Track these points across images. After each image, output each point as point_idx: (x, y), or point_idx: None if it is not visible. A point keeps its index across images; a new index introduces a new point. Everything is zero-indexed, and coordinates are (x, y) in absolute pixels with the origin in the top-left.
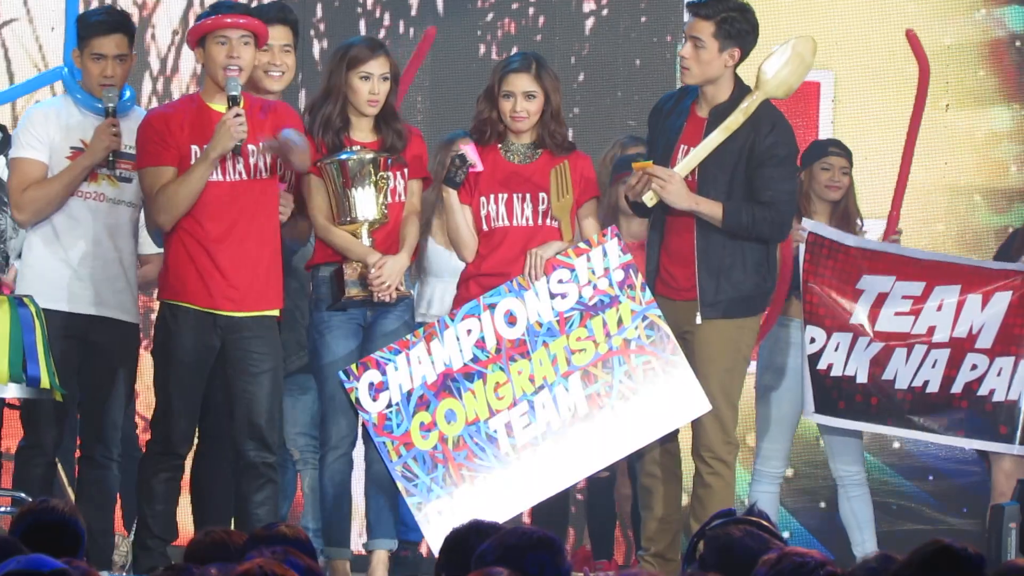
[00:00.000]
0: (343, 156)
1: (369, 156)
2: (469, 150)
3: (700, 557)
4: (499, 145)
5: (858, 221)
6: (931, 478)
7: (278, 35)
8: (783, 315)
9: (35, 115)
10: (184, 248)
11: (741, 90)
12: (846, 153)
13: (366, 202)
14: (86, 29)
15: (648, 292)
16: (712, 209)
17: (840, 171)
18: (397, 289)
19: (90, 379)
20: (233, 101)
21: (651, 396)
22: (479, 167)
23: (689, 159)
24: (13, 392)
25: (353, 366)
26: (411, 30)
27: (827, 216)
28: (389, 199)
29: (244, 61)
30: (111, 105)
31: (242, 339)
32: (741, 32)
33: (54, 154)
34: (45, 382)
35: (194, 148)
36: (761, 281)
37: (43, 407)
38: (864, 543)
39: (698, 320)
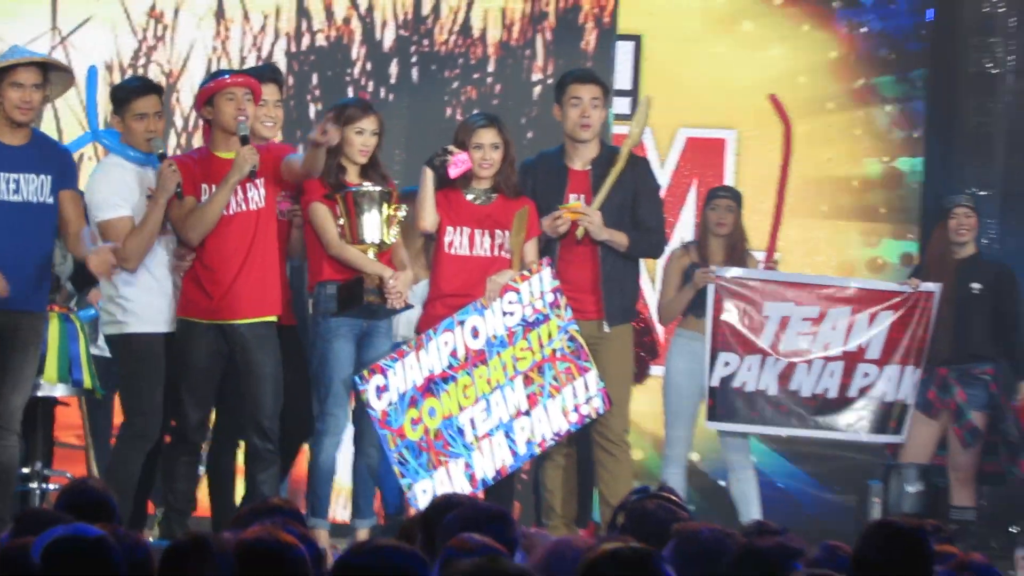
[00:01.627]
0: (354, 189)
1: (378, 190)
2: (462, 156)
3: (620, 525)
4: (463, 189)
5: (746, 250)
6: (811, 461)
7: (270, 92)
8: (684, 328)
9: (108, 178)
10: (192, 272)
11: (603, 144)
12: (731, 195)
13: (373, 228)
14: (127, 94)
15: (570, 311)
16: (620, 238)
17: (725, 210)
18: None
19: None
20: (244, 140)
21: (570, 395)
22: (460, 169)
23: (596, 201)
24: (62, 391)
25: (364, 372)
26: (390, 95)
27: (721, 249)
28: (397, 230)
29: (249, 111)
30: (162, 151)
31: (246, 347)
32: (609, 96)
33: (134, 206)
34: (87, 383)
35: (203, 186)
36: (635, 294)
37: None
38: (750, 515)
39: (606, 329)
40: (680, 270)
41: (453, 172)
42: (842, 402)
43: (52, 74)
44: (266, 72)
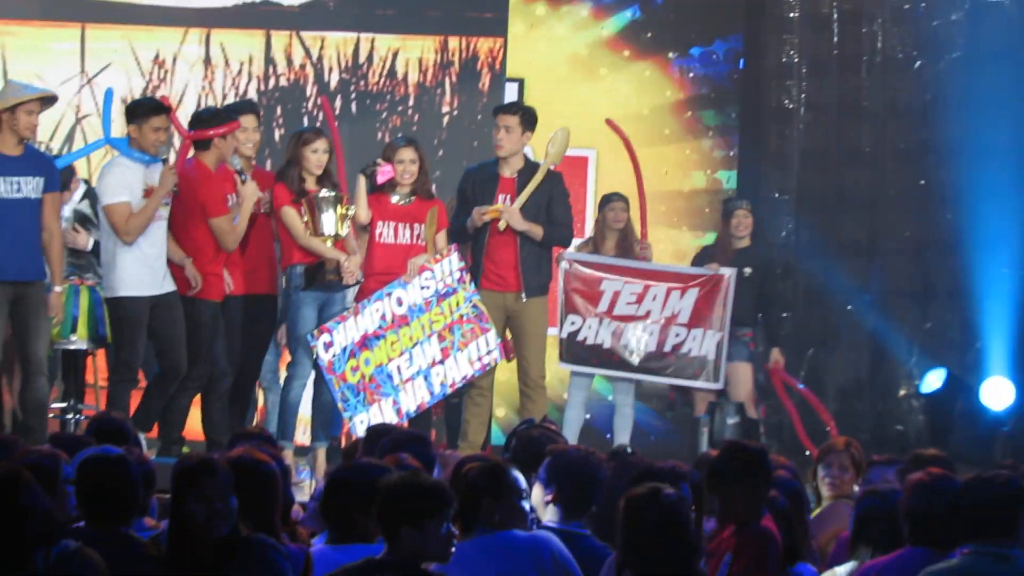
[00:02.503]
0: (318, 194)
1: (332, 195)
2: (387, 167)
3: (513, 447)
4: (389, 193)
5: (636, 240)
6: (655, 399)
7: (249, 121)
8: None
9: (115, 173)
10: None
11: (527, 159)
12: (623, 200)
13: (330, 224)
14: (147, 111)
15: (473, 285)
16: (536, 229)
17: (620, 210)
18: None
19: None
20: (240, 173)
21: (474, 349)
22: (385, 176)
23: (518, 202)
24: (90, 345)
25: (314, 331)
26: (336, 123)
27: (615, 240)
28: (348, 224)
29: (230, 145)
30: (166, 157)
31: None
32: (532, 122)
33: (134, 195)
34: (110, 338)
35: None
36: (549, 273)
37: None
38: (621, 441)
39: (523, 299)
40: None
41: (380, 179)
42: (659, 355)
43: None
44: (246, 106)
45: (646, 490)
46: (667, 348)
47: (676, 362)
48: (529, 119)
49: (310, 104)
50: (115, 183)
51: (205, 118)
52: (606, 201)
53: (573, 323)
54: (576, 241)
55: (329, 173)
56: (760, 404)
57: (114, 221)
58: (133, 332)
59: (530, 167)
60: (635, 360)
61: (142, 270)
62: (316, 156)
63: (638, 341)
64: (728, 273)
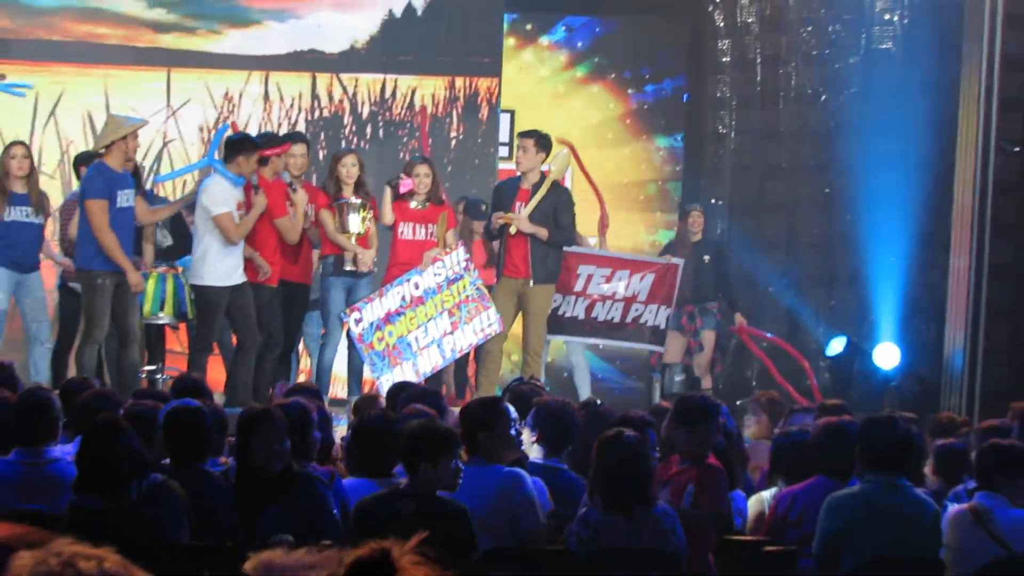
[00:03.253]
0: (345, 201)
1: (357, 202)
2: (407, 180)
3: (505, 400)
4: (409, 201)
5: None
6: (618, 361)
7: (299, 148)
8: None
9: (219, 189)
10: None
11: (541, 175)
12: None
13: (354, 224)
14: (253, 147)
15: (476, 272)
16: (542, 232)
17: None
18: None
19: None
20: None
21: (478, 323)
22: (406, 188)
23: (527, 209)
24: (175, 321)
25: (347, 310)
26: (367, 145)
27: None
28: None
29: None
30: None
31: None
32: (546, 145)
33: (231, 207)
34: (190, 315)
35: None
36: (556, 266)
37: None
38: (584, 395)
39: (531, 284)
40: None
41: (402, 189)
42: (622, 325)
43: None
44: (298, 136)
45: (613, 432)
46: (628, 320)
47: (635, 330)
48: (543, 142)
49: (347, 131)
50: (220, 197)
51: (264, 140)
52: None
53: (555, 301)
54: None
55: (362, 183)
56: (718, 363)
57: (225, 227)
58: (214, 314)
59: (542, 181)
60: (603, 330)
61: (226, 264)
62: (346, 169)
63: (606, 314)
64: (679, 262)
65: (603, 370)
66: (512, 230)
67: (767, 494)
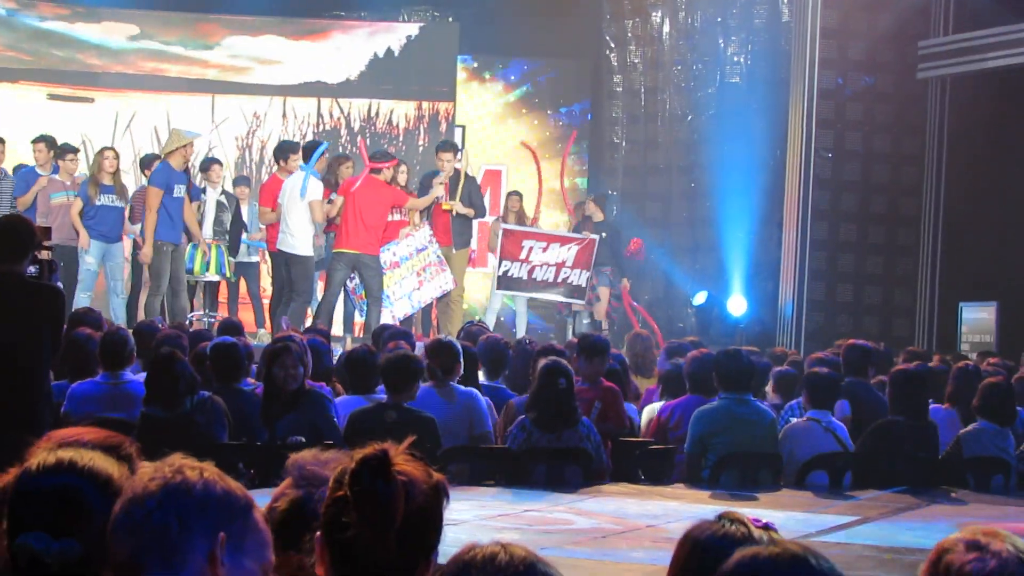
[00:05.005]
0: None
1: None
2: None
3: (459, 337)
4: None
5: (528, 218)
6: (540, 308)
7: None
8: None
9: (315, 181)
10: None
11: (456, 170)
12: (518, 194)
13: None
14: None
15: (436, 244)
16: (468, 211)
17: (516, 200)
18: None
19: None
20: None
21: (438, 281)
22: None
23: (457, 196)
24: (218, 278)
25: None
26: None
27: (514, 218)
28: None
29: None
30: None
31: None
32: (459, 150)
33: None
34: (229, 274)
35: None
36: (469, 235)
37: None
38: (519, 335)
39: (454, 251)
40: (496, 226)
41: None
42: (555, 283)
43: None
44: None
45: (549, 367)
46: (559, 280)
47: (564, 288)
48: (457, 149)
49: (343, 140)
50: (315, 190)
51: (379, 156)
52: (508, 195)
53: (505, 266)
54: (491, 217)
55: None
56: (611, 313)
57: (316, 209)
58: (309, 275)
59: (457, 174)
60: (540, 287)
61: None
62: (350, 171)
63: (543, 275)
64: (596, 238)
65: (530, 316)
66: (453, 212)
67: (657, 406)
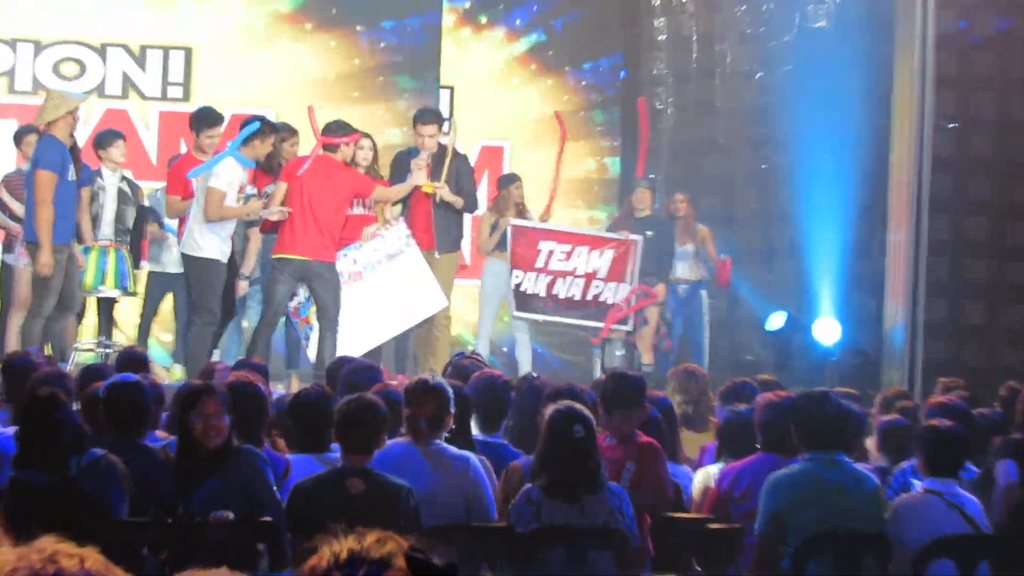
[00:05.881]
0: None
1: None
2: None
3: (447, 374)
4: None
5: (530, 213)
6: (556, 334)
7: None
8: (493, 257)
9: (225, 165)
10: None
11: (440, 145)
12: (519, 179)
13: None
14: (271, 131)
15: (417, 249)
16: (456, 200)
17: (519, 188)
18: None
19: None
20: None
21: (419, 298)
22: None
23: (441, 180)
24: (117, 294)
25: None
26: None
27: (514, 212)
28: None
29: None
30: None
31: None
32: (442, 121)
33: (231, 188)
34: (131, 288)
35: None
36: (459, 232)
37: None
38: (524, 369)
39: (437, 256)
40: (488, 223)
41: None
42: (582, 303)
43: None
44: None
45: (561, 411)
46: (589, 297)
47: (595, 309)
48: (439, 119)
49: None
50: (220, 176)
51: (334, 129)
52: (508, 182)
53: (517, 276)
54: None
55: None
56: (660, 344)
57: (210, 203)
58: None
59: (441, 151)
60: (564, 307)
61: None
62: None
63: (567, 291)
64: (637, 239)
65: (543, 344)
66: (437, 198)
67: (714, 469)
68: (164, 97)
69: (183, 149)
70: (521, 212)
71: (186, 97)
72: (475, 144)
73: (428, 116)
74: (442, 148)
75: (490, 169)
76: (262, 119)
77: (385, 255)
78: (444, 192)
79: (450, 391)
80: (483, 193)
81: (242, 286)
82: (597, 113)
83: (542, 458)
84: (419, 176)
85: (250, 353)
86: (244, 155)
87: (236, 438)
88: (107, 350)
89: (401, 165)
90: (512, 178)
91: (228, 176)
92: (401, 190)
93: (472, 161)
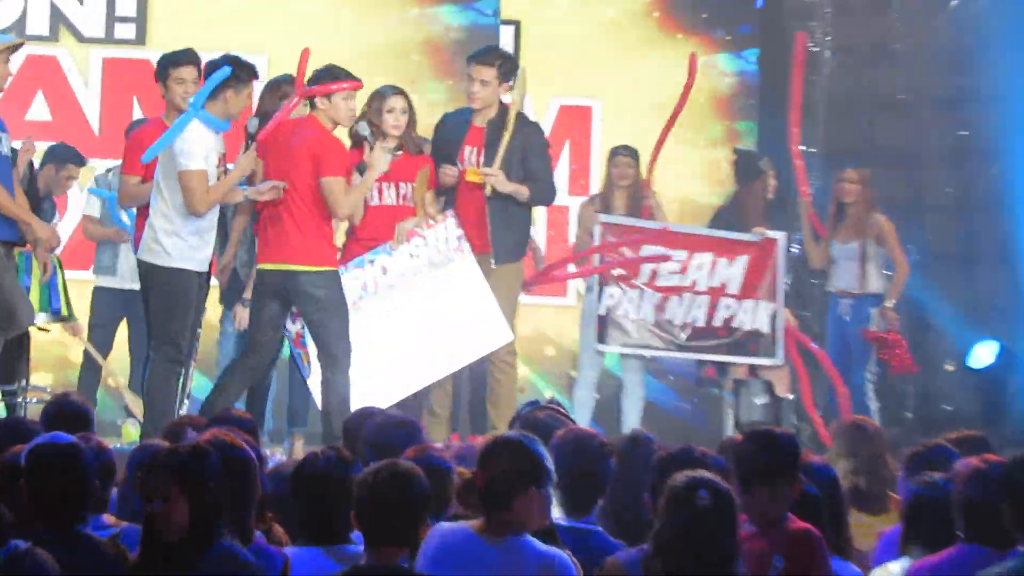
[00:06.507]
0: None
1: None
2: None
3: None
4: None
5: (646, 198)
6: (671, 377)
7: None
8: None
9: (194, 133)
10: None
11: (501, 106)
12: (630, 152)
13: None
14: (251, 74)
15: (471, 256)
16: (523, 190)
17: (626, 166)
18: None
19: None
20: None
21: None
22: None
23: (496, 161)
24: (42, 320)
25: None
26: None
27: (624, 199)
28: None
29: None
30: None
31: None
32: (511, 72)
33: (209, 164)
34: (64, 312)
35: None
36: (524, 235)
37: None
38: (631, 425)
39: (493, 265)
40: (589, 218)
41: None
42: (709, 330)
43: None
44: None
45: (682, 488)
46: (717, 322)
47: (728, 337)
48: (507, 68)
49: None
50: (191, 150)
51: (323, 77)
52: (613, 155)
53: (612, 296)
54: (580, 199)
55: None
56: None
57: (192, 191)
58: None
59: (500, 116)
60: (683, 337)
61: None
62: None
63: (685, 315)
64: (780, 237)
65: (652, 387)
66: (488, 189)
67: (897, 567)
68: (110, 39)
69: (137, 113)
70: (635, 202)
71: (140, 39)
72: (549, 103)
73: (487, 55)
74: (502, 111)
75: (573, 139)
76: (235, 61)
77: (427, 263)
78: (498, 181)
79: (542, 453)
80: (562, 174)
81: (242, 316)
82: (725, 58)
83: (656, 544)
84: (380, 164)
85: (213, 400)
86: (213, 113)
87: (212, 527)
88: (26, 399)
89: (448, 133)
90: (620, 152)
91: (200, 147)
92: (358, 191)
93: (546, 128)
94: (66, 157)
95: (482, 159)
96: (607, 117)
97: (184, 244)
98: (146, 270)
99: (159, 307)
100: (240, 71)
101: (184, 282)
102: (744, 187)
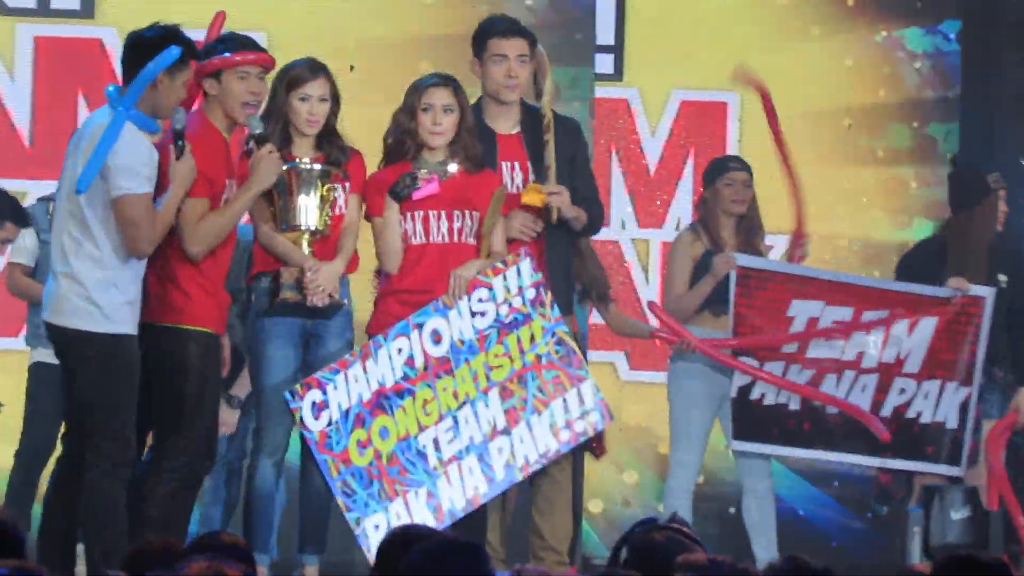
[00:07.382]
0: (292, 165)
1: (318, 168)
2: (432, 182)
3: (624, 561)
4: (413, 163)
5: (762, 234)
6: (836, 483)
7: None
8: (697, 327)
9: (126, 141)
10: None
11: (522, 104)
12: (746, 167)
13: (310, 212)
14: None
15: (556, 309)
16: (580, 213)
17: (743, 185)
18: (330, 296)
19: None
20: (260, 139)
21: (560, 409)
22: (428, 192)
23: (552, 175)
24: None
25: (298, 386)
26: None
27: (732, 230)
28: (331, 212)
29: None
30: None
31: None
32: (533, 47)
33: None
34: None
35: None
36: (573, 281)
37: None
38: (767, 547)
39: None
40: (692, 258)
41: (417, 195)
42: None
43: None
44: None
45: None
46: (886, 411)
47: (898, 433)
48: (535, 45)
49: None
50: (131, 162)
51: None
52: (720, 170)
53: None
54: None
55: (334, 133)
56: None
57: (130, 218)
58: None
59: (530, 116)
60: (839, 431)
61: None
62: (307, 107)
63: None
64: (987, 295)
65: (807, 498)
66: (553, 216)
67: None
68: (44, 12)
69: (83, 113)
70: (752, 237)
71: (88, 13)
72: (669, 96)
73: (515, 25)
74: (526, 109)
75: (698, 147)
76: (183, 39)
77: (495, 323)
78: (563, 201)
79: None
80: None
81: (228, 421)
82: (912, 33)
83: None
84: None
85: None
86: (140, 109)
87: None
88: None
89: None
90: (732, 166)
91: (137, 158)
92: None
93: (660, 133)
94: None
95: (531, 177)
96: (749, 116)
97: (122, 299)
98: (70, 340)
99: (97, 391)
100: (188, 51)
101: (129, 352)
102: (965, 214)
